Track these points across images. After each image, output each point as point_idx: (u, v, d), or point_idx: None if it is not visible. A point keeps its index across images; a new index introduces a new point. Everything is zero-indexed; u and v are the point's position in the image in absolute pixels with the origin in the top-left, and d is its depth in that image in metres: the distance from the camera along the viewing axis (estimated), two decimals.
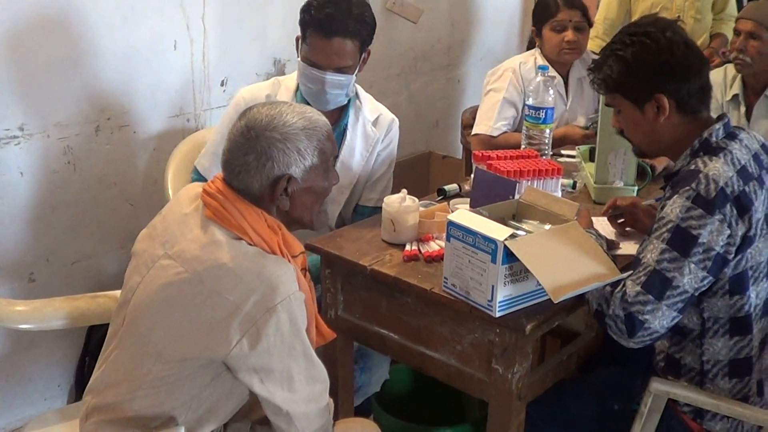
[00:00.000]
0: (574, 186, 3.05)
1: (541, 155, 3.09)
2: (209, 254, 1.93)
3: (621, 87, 2.32)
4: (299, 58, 2.78)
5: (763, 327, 2.29)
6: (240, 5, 3.45)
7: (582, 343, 2.53)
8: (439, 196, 2.92)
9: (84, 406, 2.11)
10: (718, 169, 2.14)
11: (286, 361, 1.96)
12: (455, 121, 4.94)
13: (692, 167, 2.18)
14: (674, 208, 2.13)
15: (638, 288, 2.11)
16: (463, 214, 2.20)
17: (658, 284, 2.10)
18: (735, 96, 3.60)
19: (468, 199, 2.76)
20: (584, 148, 3.31)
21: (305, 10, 2.73)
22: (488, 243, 2.07)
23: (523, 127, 3.20)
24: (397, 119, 3.03)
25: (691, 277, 2.10)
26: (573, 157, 3.35)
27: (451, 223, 2.17)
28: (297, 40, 2.81)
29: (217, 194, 2.00)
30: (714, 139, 2.24)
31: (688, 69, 2.25)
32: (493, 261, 2.07)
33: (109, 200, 3.18)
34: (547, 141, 3.17)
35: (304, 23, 2.73)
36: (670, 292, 2.10)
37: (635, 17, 4.51)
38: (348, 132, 2.89)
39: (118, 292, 2.25)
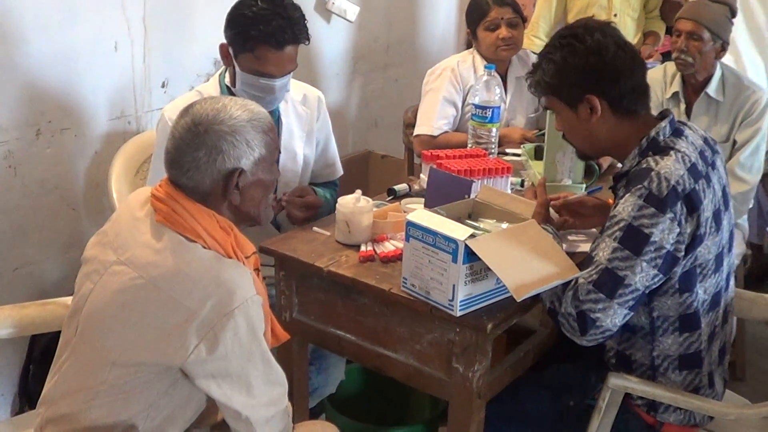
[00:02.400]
0: (522, 184, 3.08)
1: (489, 154, 3.10)
2: (164, 260, 1.89)
3: (554, 90, 2.35)
4: (238, 69, 2.75)
5: (710, 321, 2.33)
6: (180, 6, 3.40)
7: (537, 341, 2.54)
8: (389, 196, 2.91)
9: (38, 418, 2.06)
10: (670, 168, 2.16)
11: (245, 365, 1.93)
12: (394, 120, 4.93)
13: (644, 166, 2.21)
14: (627, 206, 2.15)
15: (590, 286, 2.13)
16: (421, 213, 2.20)
17: (609, 283, 2.12)
18: (675, 94, 3.67)
19: (419, 199, 2.77)
20: (529, 146, 3.34)
21: (245, 25, 2.67)
22: (449, 243, 2.07)
23: (470, 127, 3.21)
24: (322, 95, 3.07)
25: (642, 276, 2.13)
26: (518, 155, 3.38)
27: (410, 224, 2.17)
28: (223, 48, 2.77)
29: (166, 198, 1.96)
30: (662, 137, 2.27)
31: (618, 70, 2.27)
32: (454, 261, 2.07)
33: (51, 205, 3.09)
34: (494, 140, 3.19)
35: (247, 37, 2.67)
36: (622, 291, 2.12)
37: (571, 15, 4.55)
38: (282, 117, 2.90)
39: (68, 299, 2.21)
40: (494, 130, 3.18)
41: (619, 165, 2.40)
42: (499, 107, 3.17)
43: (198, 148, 1.93)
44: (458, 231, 2.09)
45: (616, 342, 2.36)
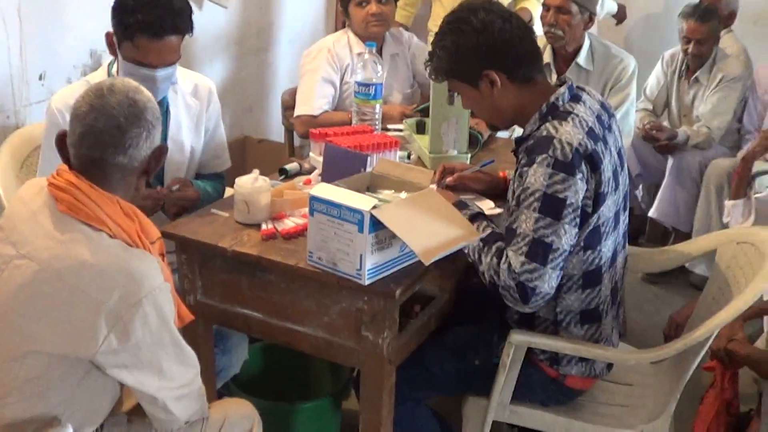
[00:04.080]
0: (408, 157, 3.15)
1: (374, 130, 3.17)
2: (68, 251, 1.87)
3: (453, 73, 2.43)
4: (120, 58, 2.72)
5: (611, 277, 2.45)
6: None
7: (437, 306, 2.62)
8: (281, 175, 2.94)
9: None
10: (570, 132, 2.26)
11: (156, 352, 1.95)
12: (269, 104, 4.96)
13: (544, 133, 2.30)
14: (537, 177, 2.24)
15: (522, 258, 2.22)
16: (323, 188, 2.24)
17: (540, 251, 2.22)
18: (546, 65, 3.81)
19: (311, 176, 2.81)
20: (411, 121, 3.42)
21: (126, 13, 2.62)
22: (354, 214, 2.12)
23: (354, 104, 3.26)
24: (213, 84, 3.04)
25: (566, 237, 2.24)
26: (400, 131, 3.45)
27: (313, 198, 2.21)
28: (109, 37, 2.73)
29: (69, 187, 1.93)
30: (561, 103, 2.37)
31: (508, 42, 2.36)
32: (360, 231, 2.12)
33: None
34: (377, 116, 3.25)
35: (127, 26, 2.63)
36: (552, 255, 2.23)
37: None
38: (171, 108, 2.87)
39: None
40: (377, 106, 3.24)
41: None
42: (381, 84, 3.23)
43: (138, 125, 1.94)
44: (362, 202, 2.14)
45: None
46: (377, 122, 3.25)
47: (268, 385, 3.04)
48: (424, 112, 3.41)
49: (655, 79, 4.86)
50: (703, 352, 2.51)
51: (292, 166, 2.98)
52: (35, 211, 1.95)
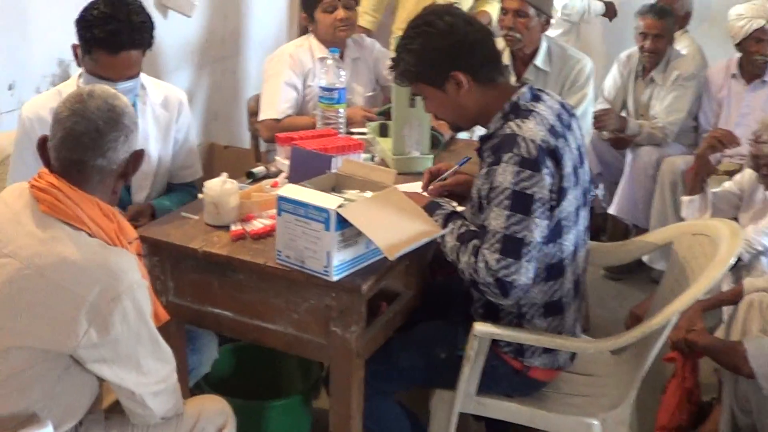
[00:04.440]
0: (372, 159, 3.23)
1: (339, 133, 3.25)
2: (50, 249, 1.95)
3: (420, 76, 2.51)
4: (83, 69, 2.77)
5: (573, 270, 2.54)
6: (21, 6, 3.37)
7: (403, 302, 2.69)
8: (249, 179, 3.01)
9: None
10: (532, 129, 2.35)
11: (134, 347, 2.02)
12: (235, 111, 5.02)
13: (507, 131, 2.38)
14: (506, 176, 2.33)
15: (497, 255, 2.31)
16: (290, 188, 2.32)
17: (513, 247, 2.31)
18: (505, 67, 3.90)
19: (278, 179, 2.88)
20: (374, 124, 3.51)
21: (85, 27, 2.67)
22: (320, 213, 2.20)
23: (318, 108, 3.34)
24: (184, 95, 3.09)
25: (538, 230, 2.33)
26: (364, 134, 3.53)
27: (281, 198, 2.28)
28: (75, 48, 2.78)
29: (50, 188, 2.00)
30: (523, 102, 2.46)
31: (472, 44, 2.45)
32: (327, 229, 2.20)
33: None
34: (341, 120, 3.33)
35: (86, 40, 2.68)
36: (526, 249, 2.31)
37: None
38: (139, 119, 2.92)
39: None
40: (341, 110, 3.32)
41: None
42: (344, 89, 3.32)
43: (117, 129, 2.03)
44: (328, 201, 2.22)
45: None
46: (341, 126, 3.33)
47: (239, 385, 3.10)
48: (386, 115, 3.50)
49: (611, 80, 4.97)
50: (661, 342, 2.61)
51: (259, 169, 3.04)
52: (17, 211, 2.02)
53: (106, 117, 2.02)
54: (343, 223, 2.20)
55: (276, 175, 2.99)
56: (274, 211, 2.54)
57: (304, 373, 3.20)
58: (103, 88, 2.08)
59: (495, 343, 2.53)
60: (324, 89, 3.28)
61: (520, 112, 2.44)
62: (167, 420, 2.19)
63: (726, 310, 3.56)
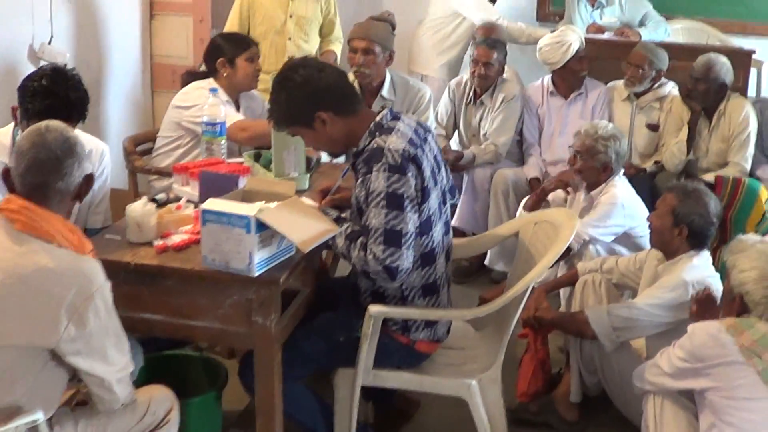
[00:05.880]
0: None
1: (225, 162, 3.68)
2: (28, 260, 2.30)
3: (292, 121, 3.00)
4: (20, 130, 3.11)
5: (443, 256, 3.08)
6: None
7: (303, 297, 3.14)
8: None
9: None
10: (395, 142, 2.87)
11: (103, 339, 2.40)
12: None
13: (375, 145, 2.89)
14: (379, 182, 2.83)
15: (382, 246, 2.79)
16: (212, 202, 2.75)
17: (393, 238, 2.80)
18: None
19: (180, 203, 3.28)
20: (249, 153, 3.93)
21: (25, 98, 3.06)
22: (242, 219, 2.65)
23: (203, 141, 3.76)
24: (107, 148, 3.48)
25: (411, 222, 2.84)
26: (240, 162, 3.95)
27: (205, 211, 2.71)
28: (14, 110, 3.13)
29: (21, 209, 2.36)
30: (385, 121, 2.97)
31: (327, 87, 2.94)
32: (248, 232, 2.65)
33: None
34: (223, 150, 3.76)
35: (25, 109, 3.06)
36: (404, 239, 2.81)
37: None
38: None
39: None
40: (222, 141, 3.76)
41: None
42: (224, 122, 3.76)
43: (72, 156, 2.41)
44: (247, 209, 2.67)
45: (370, 284, 3.02)
46: (224, 155, 3.76)
47: None
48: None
49: (443, 107, 5.56)
50: (518, 315, 3.17)
51: (161, 196, 3.42)
52: None
53: (63, 147, 2.40)
54: (260, 226, 2.65)
55: (176, 200, 3.38)
56: (187, 227, 2.98)
57: (210, 377, 3.56)
58: (57, 123, 2.47)
59: (384, 323, 3.01)
60: (208, 124, 3.71)
61: (383, 129, 2.95)
62: (125, 406, 2.56)
63: (563, 294, 4.18)
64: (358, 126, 2.98)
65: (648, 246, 3.82)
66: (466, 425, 3.23)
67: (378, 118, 2.97)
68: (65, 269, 2.32)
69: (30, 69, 4.45)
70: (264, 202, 2.92)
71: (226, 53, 4.30)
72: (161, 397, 2.70)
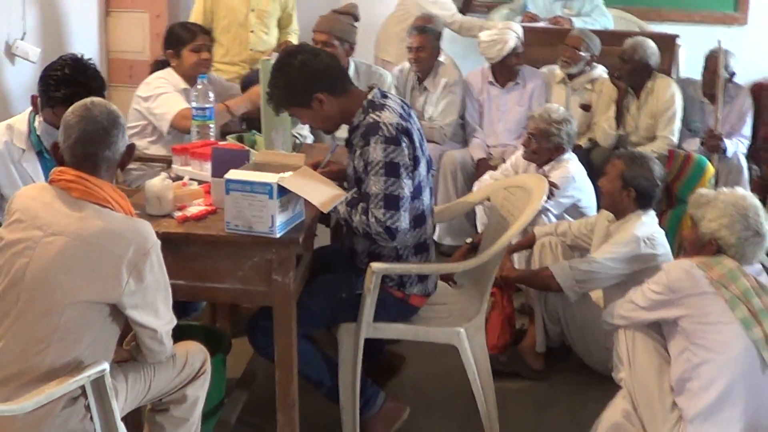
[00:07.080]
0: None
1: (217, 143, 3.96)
2: (89, 223, 2.56)
3: (291, 103, 3.32)
4: (41, 117, 3.38)
5: (431, 218, 3.44)
6: None
7: (306, 260, 3.45)
8: None
9: None
10: (388, 117, 3.22)
11: (155, 293, 2.67)
12: None
13: (370, 120, 3.22)
14: (377, 152, 3.16)
15: (383, 210, 3.13)
16: (234, 173, 3.04)
17: (392, 201, 3.14)
18: None
19: (184, 181, 3.56)
20: (232, 136, 4.21)
21: (49, 86, 3.32)
22: (265, 186, 2.95)
23: (194, 124, 4.03)
24: None
25: (407, 188, 3.18)
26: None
27: (229, 181, 3.00)
28: (34, 99, 3.37)
29: (77, 179, 2.61)
30: (376, 99, 3.32)
31: (322, 69, 3.28)
32: (270, 197, 2.95)
33: None
34: (212, 133, 4.04)
35: (49, 97, 3.31)
36: (401, 203, 3.16)
37: (217, 31, 5.39)
38: None
39: None
40: (212, 124, 4.04)
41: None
42: (212, 107, 4.04)
43: (117, 127, 2.67)
44: (269, 177, 2.98)
45: (368, 245, 3.36)
46: (214, 137, 4.04)
47: None
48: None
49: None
50: (495, 270, 3.55)
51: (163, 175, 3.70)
52: (47, 202, 2.61)
53: (108, 118, 2.66)
54: (281, 192, 2.96)
55: (179, 178, 3.65)
56: (198, 200, 3.27)
57: (212, 346, 3.82)
58: (99, 99, 2.73)
59: (382, 280, 3.34)
60: (197, 108, 3.98)
61: (375, 106, 3.29)
62: (168, 358, 2.84)
63: (517, 257, 4.55)
64: (351, 104, 3.31)
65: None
66: (447, 375, 3.74)
67: (370, 97, 3.31)
68: (124, 229, 2.59)
69: (5, 64, 4.71)
70: (275, 173, 3.23)
71: (173, 44, 4.60)
72: (196, 350, 2.99)
